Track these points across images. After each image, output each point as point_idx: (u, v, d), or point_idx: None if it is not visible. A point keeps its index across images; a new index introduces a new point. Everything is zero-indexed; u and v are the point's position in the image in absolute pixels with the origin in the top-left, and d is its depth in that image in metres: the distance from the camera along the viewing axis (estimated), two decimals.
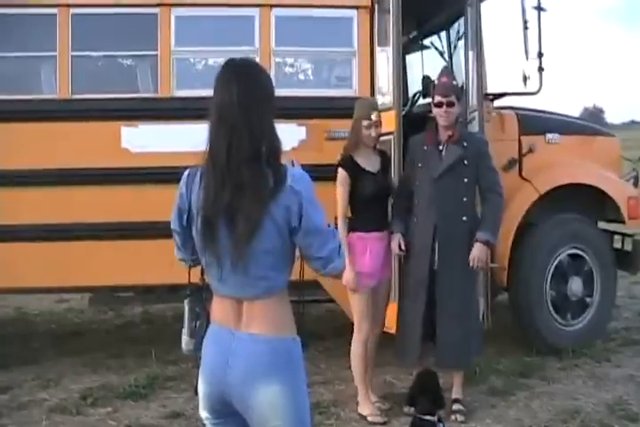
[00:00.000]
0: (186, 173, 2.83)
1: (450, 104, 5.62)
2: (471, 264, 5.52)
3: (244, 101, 2.66)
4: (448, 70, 6.00)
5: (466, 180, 5.62)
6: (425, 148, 5.73)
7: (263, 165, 2.64)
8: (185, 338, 3.06)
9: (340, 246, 2.82)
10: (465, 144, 5.64)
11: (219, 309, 2.81)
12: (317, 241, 2.74)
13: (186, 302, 3.08)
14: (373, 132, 5.68)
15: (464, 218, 5.61)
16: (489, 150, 5.80)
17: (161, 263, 6.39)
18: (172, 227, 2.92)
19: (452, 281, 5.60)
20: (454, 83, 5.81)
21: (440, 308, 5.62)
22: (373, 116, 5.65)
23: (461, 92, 5.97)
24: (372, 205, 5.67)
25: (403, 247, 5.69)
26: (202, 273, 2.90)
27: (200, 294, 2.99)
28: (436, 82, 5.83)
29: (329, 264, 2.80)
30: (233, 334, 2.73)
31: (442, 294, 5.61)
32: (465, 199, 5.64)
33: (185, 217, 2.82)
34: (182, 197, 2.81)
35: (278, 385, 2.68)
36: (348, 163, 5.69)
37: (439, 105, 5.64)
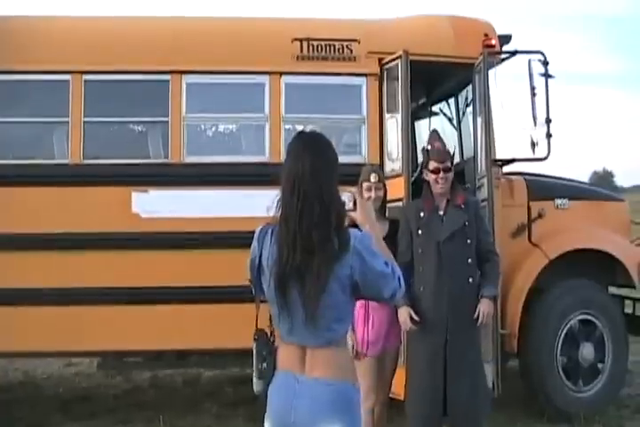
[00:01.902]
0: (258, 229, 3.13)
1: (446, 170, 5.55)
2: (480, 320, 5.41)
3: (314, 170, 2.95)
4: (438, 134, 5.94)
5: (469, 241, 5.55)
6: (421, 214, 5.61)
7: (332, 229, 2.91)
8: (254, 380, 3.21)
9: (399, 279, 3.02)
10: (462, 206, 5.59)
11: (284, 355, 3.08)
12: (382, 284, 2.98)
13: (253, 345, 3.22)
14: (373, 194, 5.66)
15: (470, 280, 5.53)
16: (481, 211, 5.81)
17: (170, 329, 6.42)
18: (248, 277, 3.16)
19: (464, 343, 5.46)
20: (447, 148, 5.79)
21: (451, 371, 5.42)
22: (372, 178, 5.66)
23: (452, 157, 5.90)
24: None
25: (416, 318, 5.45)
26: (270, 320, 3.14)
27: (267, 338, 3.19)
28: (428, 147, 5.77)
29: (393, 299, 3.08)
30: (297, 378, 2.98)
31: (454, 358, 5.42)
32: (470, 261, 5.55)
33: (256, 269, 3.09)
34: (254, 250, 3.10)
35: (339, 425, 2.90)
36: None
37: (436, 171, 5.54)
